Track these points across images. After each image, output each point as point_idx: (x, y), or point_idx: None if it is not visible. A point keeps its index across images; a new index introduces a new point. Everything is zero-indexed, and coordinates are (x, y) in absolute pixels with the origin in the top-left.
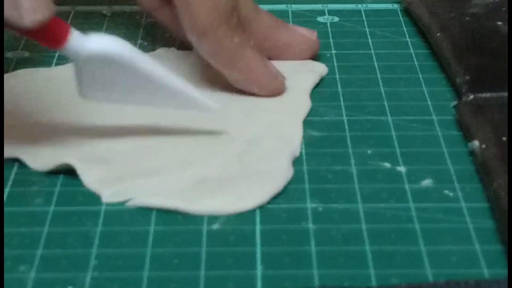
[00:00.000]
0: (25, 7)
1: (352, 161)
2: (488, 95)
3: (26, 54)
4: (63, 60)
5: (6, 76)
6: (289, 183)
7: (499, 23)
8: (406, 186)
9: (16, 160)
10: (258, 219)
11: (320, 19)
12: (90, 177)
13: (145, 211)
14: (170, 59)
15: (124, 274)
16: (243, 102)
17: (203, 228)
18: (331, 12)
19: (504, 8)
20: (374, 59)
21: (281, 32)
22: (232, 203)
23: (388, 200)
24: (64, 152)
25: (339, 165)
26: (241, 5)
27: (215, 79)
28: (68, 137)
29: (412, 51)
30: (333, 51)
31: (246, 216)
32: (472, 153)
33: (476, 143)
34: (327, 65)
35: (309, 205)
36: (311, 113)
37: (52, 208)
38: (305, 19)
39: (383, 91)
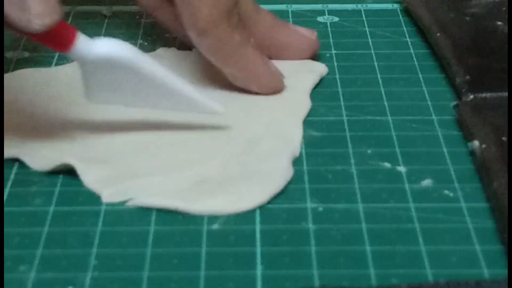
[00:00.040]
0: (33, 11)
1: (352, 161)
2: (488, 95)
3: (26, 54)
4: (63, 60)
5: (6, 76)
6: (289, 183)
7: (499, 23)
8: (406, 186)
9: (16, 160)
10: (258, 219)
11: (320, 19)
12: (90, 177)
13: (145, 211)
14: (170, 59)
15: (124, 274)
16: (243, 102)
17: (203, 228)
18: (331, 12)
19: (504, 8)
20: (374, 59)
21: (281, 31)
22: (232, 203)
23: (388, 200)
24: (64, 152)
25: (339, 165)
26: (242, 3)
27: (215, 79)
28: (68, 137)
29: (412, 51)
30: (333, 51)
31: (246, 216)
32: (472, 153)
33: (476, 143)
34: (327, 65)
35: (309, 205)
36: (311, 113)
37: (52, 208)
38: (305, 19)
39: (383, 91)
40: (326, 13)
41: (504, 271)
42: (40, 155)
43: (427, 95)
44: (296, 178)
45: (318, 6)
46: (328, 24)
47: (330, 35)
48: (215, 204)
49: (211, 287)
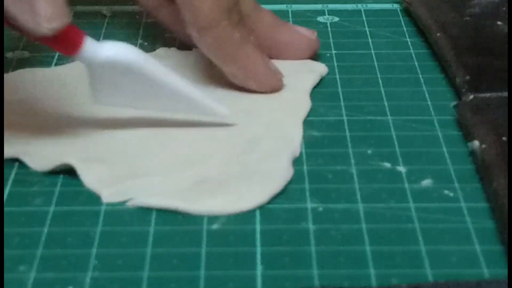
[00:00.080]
0: (42, 14)
1: (352, 161)
2: (488, 95)
3: (26, 54)
4: (63, 60)
5: (6, 76)
6: (289, 183)
7: (499, 23)
8: (406, 186)
9: (16, 160)
10: (258, 219)
11: (320, 19)
12: (90, 177)
13: (145, 211)
14: (170, 59)
15: (124, 274)
16: (243, 102)
17: (203, 228)
18: (331, 12)
19: (504, 8)
20: (374, 59)
21: (281, 31)
22: (232, 203)
23: (388, 200)
24: (64, 152)
25: (339, 165)
26: (242, 2)
27: (215, 79)
28: (68, 137)
29: (412, 51)
30: (333, 51)
31: (246, 216)
32: (472, 153)
33: (476, 143)
34: (327, 65)
35: (309, 205)
36: (311, 113)
37: (52, 208)
38: (305, 19)
39: (383, 91)
40: (326, 13)
41: (504, 271)
42: (40, 155)
43: (427, 95)
44: (296, 178)
45: (318, 6)
46: (328, 24)
47: (330, 35)
48: (215, 204)
49: (211, 287)
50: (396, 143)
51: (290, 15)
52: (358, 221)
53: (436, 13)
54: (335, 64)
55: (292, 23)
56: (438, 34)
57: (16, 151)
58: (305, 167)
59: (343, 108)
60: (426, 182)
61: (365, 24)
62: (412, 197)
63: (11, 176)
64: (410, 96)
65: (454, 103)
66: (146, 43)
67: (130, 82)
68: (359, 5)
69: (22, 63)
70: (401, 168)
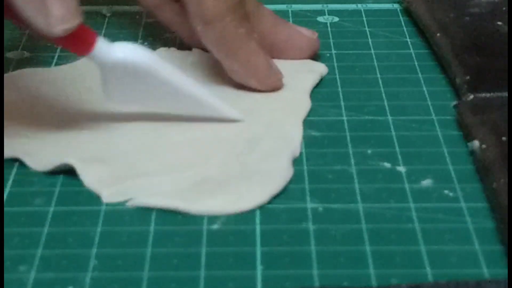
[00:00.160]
0: (54, 15)
1: (352, 161)
2: (488, 95)
3: (26, 54)
4: (63, 60)
5: (6, 76)
6: (289, 183)
7: (499, 23)
8: (406, 186)
9: (16, 160)
10: (258, 219)
11: (320, 19)
12: (90, 177)
13: (145, 211)
14: (170, 59)
15: (124, 274)
16: (243, 102)
17: (203, 228)
18: (331, 12)
19: (504, 8)
20: (374, 59)
21: (282, 30)
22: (232, 203)
23: (388, 200)
24: (64, 152)
25: (339, 165)
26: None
27: (215, 79)
28: (68, 137)
29: (412, 51)
30: (333, 51)
31: (246, 216)
32: (472, 153)
33: (476, 143)
34: (327, 65)
35: (309, 205)
36: (311, 113)
37: (52, 208)
38: (305, 19)
39: (383, 91)
40: (326, 13)
41: (504, 271)
42: (40, 155)
43: (427, 95)
44: (296, 178)
45: (318, 6)
46: (328, 24)
47: (330, 35)
48: (215, 204)
49: (211, 287)
50: (396, 143)
51: (290, 15)
52: (358, 221)
53: (436, 13)
54: (335, 64)
55: (292, 23)
56: (438, 34)
57: (16, 151)
58: (305, 167)
59: (343, 108)
60: (426, 182)
61: (365, 24)
62: (412, 197)
63: (11, 176)
64: (410, 96)
65: (454, 103)
66: (146, 43)
67: (141, 83)
68: (359, 5)
69: (22, 63)
70: (401, 168)
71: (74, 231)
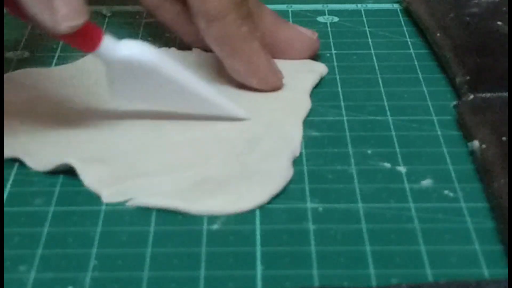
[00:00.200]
0: (60, 12)
1: (352, 161)
2: (488, 95)
3: (26, 54)
4: (63, 60)
5: (6, 76)
6: (289, 183)
7: (499, 23)
8: (406, 186)
9: (16, 160)
10: (258, 219)
11: (320, 19)
12: (90, 177)
13: (145, 211)
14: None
15: (124, 274)
16: (243, 102)
17: (203, 228)
18: (331, 12)
19: (504, 8)
20: (374, 59)
21: (282, 29)
22: (232, 203)
23: (388, 200)
24: (64, 152)
25: (339, 165)
26: None
27: (215, 79)
28: (68, 137)
29: (412, 51)
30: (333, 51)
31: (246, 216)
32: (472, 153)
33: (476, 143)
34: (327, 65)
35: (309, 205)
36: (311, 113)
37: (52, 208)
38: (305, 19)
39: (383, 91)
40: (326, 13)
41: (504, 271)
42: (40, 155)
43: (427, 95)
44: (296, 178)
45: (318, 6)
46: (328, 24)
47: (330, 35)
48: (215, 204)
49: (211, 287)
50: (396, 143)
51: (290, 15)
52: (358, 221)
53: (436, 13)
54: (335, 64)
55: (293, 23)
56: (438, 34)
57: (16, 151)
58: (305, 167)
59: (343, 108)
60: (426, 182)
61: (365, 24)
62: (412, 197)
63: (11, 176)
64: (410, 96)
65: (454, 103)
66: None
67: (147, 81)
68: (359, 5)
69: (22, 63)
70: (401, 168)
71: (74, 231)
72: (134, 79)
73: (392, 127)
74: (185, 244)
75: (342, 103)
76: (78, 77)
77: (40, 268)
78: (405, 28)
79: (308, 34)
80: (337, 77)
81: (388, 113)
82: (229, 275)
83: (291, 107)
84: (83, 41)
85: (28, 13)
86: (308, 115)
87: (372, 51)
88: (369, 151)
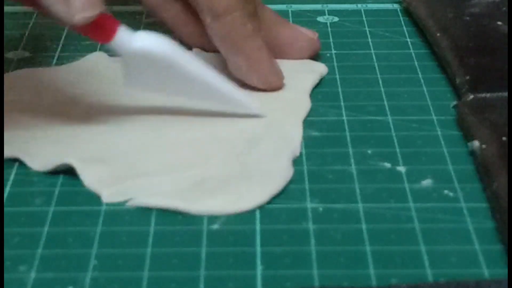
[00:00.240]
0: (75, 4)
1: (352, 161)
2: (488, 95)
3: (26, 54)
4: (63, 60)
5: (6, 76)
6: (289, 183)
7: (499, 23)
8: (406, 186)
9: (16, 160)
10: (258, 219)
11: (320, 19)
12: (90, 177)
13: (145, 211)
14: None
15: (124, 274)
16: None
17: (203, 228)
18: (331, 12)
19: (504, 8)
20: (374, 59)
21: (282, 29)
22: (232, 203)
23: (388, 200)
24: (64, 152)
25: (339, 165)
26: None
27: None
28: (68, 137)
29: (412, 51)
30: (333, 51)
31: (246, 216)
32: (472, 153)
33: (476, 143)
34: (327, 65)
35: (309, 205)
36: (311, 113)
37: (52, 208)
38: (305, 19)
39: (383, 91)
40: (326, 13)
41: (504, 271)
42: (40, 155)
43: (427, 95)
44: (296, 178)
45: (318, 6)
46: (328, 24)
47: (330, 35)
48: (215, 204)
49: (211, 287)
50: (396, 143)
51: (290, 15)
52: (358, 221)
53: (436, 13)
54: (335, 64)
55: (293, 23)
56: (438, 34)
57: (16, 151)
58: (305, 167)
59: (343, 108)
60: (426, 182)
61: (365, 24)
62: (412, 197)
63: (11, 176)
64: (410, 96)
65: (454, 103)
66: None
67: (161, 73)
68: (359, 5)
69: (22, 63)
70: (401, 168)
71: (74, 231)
72: (148, 70)
73: (392, 127)
74: (185, 244)
75: (342, 103)
76: (78, 77)
77: (40, 268)
78: (405, 28)
79: (309, 34)
80: (337, 77)
81: (388, 113)
82: (229, 275)
83: (291, 107)
84: (98, 32)
85: (43, 4)
86: (308, 115)
87: (372, 51)
88: (369, 151)
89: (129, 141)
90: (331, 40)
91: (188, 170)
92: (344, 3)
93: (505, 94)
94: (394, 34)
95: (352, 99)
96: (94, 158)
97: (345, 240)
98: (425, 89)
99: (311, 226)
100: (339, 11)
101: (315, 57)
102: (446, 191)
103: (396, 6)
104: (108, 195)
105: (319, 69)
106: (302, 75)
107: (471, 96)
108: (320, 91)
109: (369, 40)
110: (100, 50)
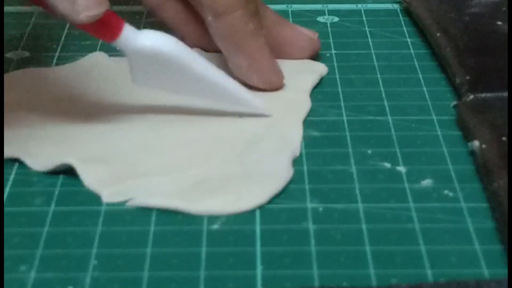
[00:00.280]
0: (80, 2)
1: (352, 161)
2: (488, 95)
3: (26, 54)
4: (63, 60)
5: (6, 76)
6: (289, 183)
7: (499, 23)
8: (406, 186)
9: (16, 160)
10: (258, 219)
11: (320, 19)
12: (90, 177)
13: (145, 211)
14: None
15: (124, 274)
16: None
17: (203, 228)
18: (331, 12)
19: (504, 8)
20: (374, 59)
21: (283, 29)
22: (232, 203)
23: (388, 200)
24: (64, 152)
25: (339, 165)
26: None
27: None
28: (68, 137)
29: (412, 51)
30: (333, 51)
31: (246, 216)
32: (472, 153)
33: (476, 143)
34: (327, 65)
35: (309, 205)
36: (311, 113)
37: (52, 208)
38: (305, 19)
39: (383, 91)
40: (326, 13)
41: (504, 271)
42: (40, 155)
43: (427, 95)
44: (296, 178)
45: (318, 6)
46: (328, 24)
47: (330, 35)
48: (215, 204)
49: (211, 287)
50: (396, 143)
51: (290, 15)
52: (358, 221)
53: (436, 13)
54: (335, 64)
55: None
56: (438, 34)
57: (16, 151)
58: (305, 167)
59: (343, 108)
60: (426, 182)
61: (365, 24)
62: (412, 197)
63: (11, 176)
64: (410, 96)
65: (454, 103)
66: None
67: (167, 70)
68: (359, 5)
69: (22, 63)
70: (401, 168)
71: (74, 231)
72: (154, 68)
73: (392, 127)
74: (185, 244)
75: (342, 103)
76: (78, 77)
77: (40, 268)
78: (405, 28)
79: (309, 34)
80: (337, 77)
81: (388, 113)
82: (229, 275)
83: (291, 107)
84: (103, 30)
85: (48, 3)
86: (308, 115)
87: (372, 51)
88: (369, 151)
89: (129, 141)
90: (331, 40)
91: (188, 170)
92: (344, 3)
93: (505, 94)
94: (394, 34)
95: (352, 99)
96: (94, 158)
97: (345, 240)
98: (425, 89)
99: (311, 226)
100: (339, 11)
101: (315, 57)
102: (446, 191)
103: (396, 6)
104: (108, 195)
105: (319, 69)
106: (302, 75)
107: (471, 96)
108: (320, 91)
109: (369, 40)
110: (100, 50)
